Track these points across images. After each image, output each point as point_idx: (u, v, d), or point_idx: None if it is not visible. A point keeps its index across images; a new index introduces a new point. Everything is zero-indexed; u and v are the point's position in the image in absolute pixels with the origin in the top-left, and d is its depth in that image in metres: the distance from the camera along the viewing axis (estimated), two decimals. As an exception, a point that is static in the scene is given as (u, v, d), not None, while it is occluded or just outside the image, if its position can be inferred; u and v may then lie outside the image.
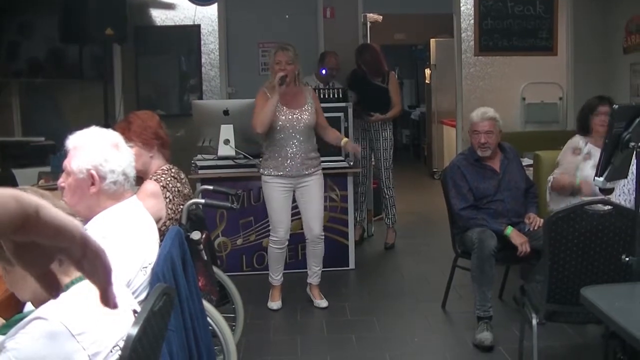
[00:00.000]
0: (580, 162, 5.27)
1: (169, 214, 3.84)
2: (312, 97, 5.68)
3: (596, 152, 5.21)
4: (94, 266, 1.10)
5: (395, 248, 7.63)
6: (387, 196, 7.68)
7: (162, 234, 3.24)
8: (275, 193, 5.58)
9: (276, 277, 5.79)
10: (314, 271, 5.82)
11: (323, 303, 5.74)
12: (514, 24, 8.71)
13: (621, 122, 3.38)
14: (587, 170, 5.22)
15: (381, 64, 7.61)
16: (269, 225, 6.46)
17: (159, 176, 3.91)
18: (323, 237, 5.78)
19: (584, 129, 5.41)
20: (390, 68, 7.84)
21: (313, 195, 5.65)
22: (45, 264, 1.10)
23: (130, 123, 3.95)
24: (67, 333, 2.00)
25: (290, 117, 5.48)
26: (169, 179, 3.93)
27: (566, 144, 5.43)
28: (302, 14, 8.50)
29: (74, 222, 1.07)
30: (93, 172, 2.85)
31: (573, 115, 8.64)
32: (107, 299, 1.12)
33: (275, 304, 5.76)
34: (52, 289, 1.13)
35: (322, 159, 5.77)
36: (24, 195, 1.02)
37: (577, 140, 5.38)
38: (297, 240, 6.11)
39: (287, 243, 5.77)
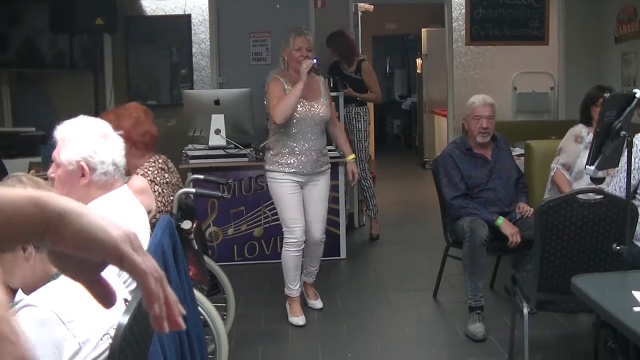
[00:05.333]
0: (581, 151, 5.25)
1: (159, 207, 3.82)
2: (326, 88, 5.28)
3: None
4: (135, 278, 1.00)
5: (387, 238, 7.62)
6: (365, 187, 7.65)
7: (152, 226, 3.23)
8: (287, 190, 5.07)
9: (294, 286, 5.22)
10: (310, 270, 5.39)
11: (318, 304, 5.41)
12: (505, 13, 8.70)
13: (612, 111, 3.38)
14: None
15: (351, 50, 7.63)
16: (260, 215, 6.48)
17: (146, 169, 3.88)
18: (324, 240, 5.35)
19: (586, 119, 5.37)
20: (364, 58, 7.82)
21: (320, 197, 5.21)
22: (91, 272, 1.02)
23: (106, 119, 3.91)
24: (57, 320, 2.00)
25: (307, 109, 5.03)
26: (156, 171, 3.90)
27: (569, 131, 5.40)
28: (293, 3, 8.47)
29: (108, 234, 0.96)
30: (83, 163, 2.84)
31: (564, 105, 8.67)
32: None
33: (299, 318, 5.17)
34: (103, 298, 1.05)
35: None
36: (49, 200, 0.92)
37: (580, 128, 5.35)
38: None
39: (303, 245, 5.19)
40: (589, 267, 3.78)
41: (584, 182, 5.11)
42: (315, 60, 4.97)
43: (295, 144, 5.04)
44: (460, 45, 8.83)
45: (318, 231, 5.22)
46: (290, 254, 5.16)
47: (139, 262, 1.00)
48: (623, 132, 3.34)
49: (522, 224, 5.01)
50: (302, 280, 5.41)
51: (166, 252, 2.97)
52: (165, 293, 1.02)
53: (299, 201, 5.13)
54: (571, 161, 5.25)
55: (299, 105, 4.98)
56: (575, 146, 5.28)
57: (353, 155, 5.44)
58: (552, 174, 5.29)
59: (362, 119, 7.58)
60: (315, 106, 5.07)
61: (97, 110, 6.72)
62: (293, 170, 5.05)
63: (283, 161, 5.06)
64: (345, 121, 7.50)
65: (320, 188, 5.20)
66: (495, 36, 8.75)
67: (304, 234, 5.15)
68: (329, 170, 5.30)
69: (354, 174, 5.41)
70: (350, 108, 7.54)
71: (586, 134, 5.29)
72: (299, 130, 5.03)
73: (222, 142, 6.18)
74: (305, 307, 5.37)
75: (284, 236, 5.20)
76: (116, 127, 3.81)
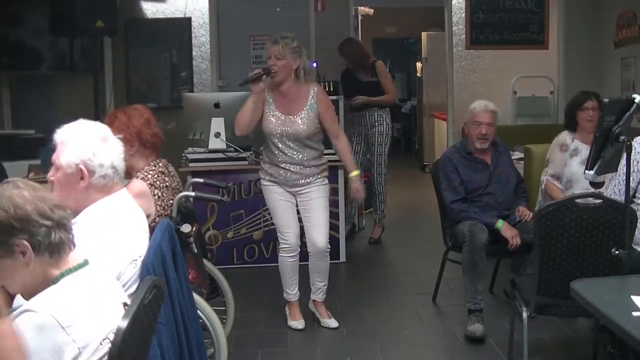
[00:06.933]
0: (567, 159, 5.26)
1: (158, 211, 3.81)
2: (317, 100, 4.93)
3: (583, 148, 5.21)
4: None
5: (386, 241, 7.62)
6: (377, 192, 7.63)
7: (152, 230, 3.22)
8: (275, 196, 5.01)
9: (292, 291, 5.18)
10: (319, 287, 5.19)
11: (332, 323, 5.15)
12: (505, 17, 8.71)
13: (611, 116, 3.38)
14: (575, 166, 5.22)
15: (363, 56, 7.58)
16: (259, 218, 6.48)
17: (146, 173, 3.88)
18: (329, 251, 5.12)
19: (571, 125, 5.40)
20: (376, 58, 7.74)
21: (315, 204, 5.01)
22: None
23: (116, 118, 3.90)
24: (57, 325, 2.00)
25: (280, 123, 4.88)
26: (156, 175, 3.89)
27: (554, 141, 5.41)
28: (293, 6, 8.49)
29: None
30: (82, 166, 2.83)
31: (564, 109, 8.67)
32: None
33: (298, 322, 5.16)
34: None
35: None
36: None
37: (564, 136, 5.37)
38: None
39: (299, 250, 5.10)
40: (588, 271, 3.78)
41: (576, 190, 5.10)
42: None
43: (273, 156, 4.95)
44: (460, 49, 8.84)
45: (319, 240, 5.00)
46: (285, 259, 5.10)
47: None
48: (622, 137, 3.34)
49: (522, 227, 5.01)
50: (311, 299, 5.28)
51: (165, 256, 2.97)
52: None
53: (289, 208, 5.05)
54: (559, 171, 5.26)
55: (273, 119, 4.88)
56: (562, 155, 5.28)
57: (357, 172, 5.09)
58: (542, 186, 5.29)
59: (384, 122, 7.49)
60: (292, 121, 4.88)
61: (97, 113, 6.73)
62: (275, 179, 4.99)
63: (268, 170, 5.02)
64: (367, 125, 7.48)
65: (315, 196, 5.01)
66: (495, 40, 8.76)
67: (298, 240, 5.07)
68: (323, 179, 5.08)
69: (358, 192, 5.08)
70: (372, 111, 7.49)
71: (570, 141, 5.30)
72: (274, 144, 4.92)
73: (222, 145, 6.19)
74: (306, 311, 5.30)
75: (279, 241, 5.14)
76: (127, 126, 3.82)
